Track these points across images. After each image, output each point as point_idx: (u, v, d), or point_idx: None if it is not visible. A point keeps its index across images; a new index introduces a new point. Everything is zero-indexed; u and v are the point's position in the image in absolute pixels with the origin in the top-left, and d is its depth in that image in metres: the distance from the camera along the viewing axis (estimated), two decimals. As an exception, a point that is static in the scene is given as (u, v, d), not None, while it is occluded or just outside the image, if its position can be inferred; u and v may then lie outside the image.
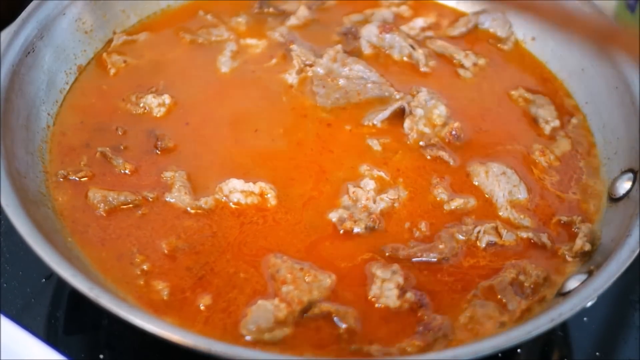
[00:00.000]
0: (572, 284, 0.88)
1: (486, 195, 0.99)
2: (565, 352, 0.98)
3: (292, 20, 1.23)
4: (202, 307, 0.85)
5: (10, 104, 0.96)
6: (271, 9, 1.25)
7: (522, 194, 0.99)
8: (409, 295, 0.86)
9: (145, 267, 0.88)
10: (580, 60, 1.13)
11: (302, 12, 1.23)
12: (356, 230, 0.93)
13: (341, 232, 0.93)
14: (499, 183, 0.99)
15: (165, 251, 0.90)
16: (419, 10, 1.28)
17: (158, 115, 1.06)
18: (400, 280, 0.87)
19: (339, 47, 1.17)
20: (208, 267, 0.89)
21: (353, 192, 0.96)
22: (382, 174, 1.00)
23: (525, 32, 1.22)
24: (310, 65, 1.14)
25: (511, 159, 1.04)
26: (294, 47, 1.16)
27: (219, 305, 0.85)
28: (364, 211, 0.95)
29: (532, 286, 0.89)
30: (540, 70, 1.20)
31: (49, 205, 0.93)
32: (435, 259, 0.91)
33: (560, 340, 0.99)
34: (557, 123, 1.10)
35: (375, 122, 1.07)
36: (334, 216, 0.94)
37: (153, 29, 1.20)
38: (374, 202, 0.96)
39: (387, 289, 0.87)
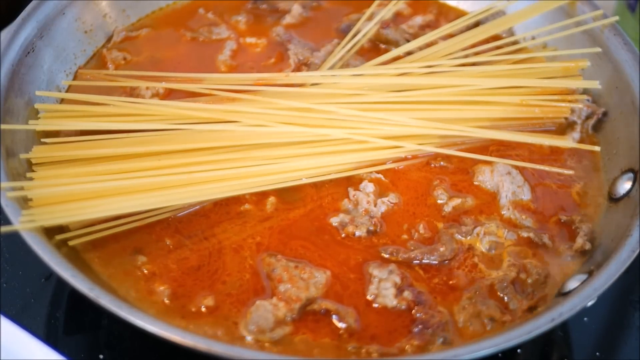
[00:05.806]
0: (572, 284, 0.88)
1: (489, 195, 0.99)
2: (565, 352, 0.99)
3: (288, 19, 1.23)
4: (203, 309, 0.84)
5: (10, 104, 0.96)
6: (265, 6, 1.25)
7: (525, 195, 0.99)
8: (406, 294, 0.86)
9: (146, 268, 0.88)
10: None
11: (297, 10, 1.23)
12: (357, 234, 0.93)
13: (343, 235, 0.93)
14: (504, 183, 0.99)
15: (167, 251, 0.90)
16: (418, 8, 1.28)
17: (158, 115, 1.06)
18: (397, 279, 0.87)
19: (336, 42, 1.17)
20: (208, 267, 0.89)
21: (354, 196, 0.96)
22: (381, 176, 0.99)
23: (525, 31, 1.21)
24: (306, 64, 1.14)
25: (514, 159, 1.03)
26: (290, 45, 1.16)
27: (219, 306, 0.85)
28: (365, 215, 0.94)
29: (533, 285, 0.89)
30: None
31: (49, 205, 0.93)
32: (436, 262, 0.91)
33: (560, 340, 0.99)
34: (556, 123, 1.10)
35: (375, 123, 1.06)
36: (335, 220, 0.94)
37: (153, 28, 1.20)
38: (375, 205, 0.96)
39: (384, 288, 0.87)
